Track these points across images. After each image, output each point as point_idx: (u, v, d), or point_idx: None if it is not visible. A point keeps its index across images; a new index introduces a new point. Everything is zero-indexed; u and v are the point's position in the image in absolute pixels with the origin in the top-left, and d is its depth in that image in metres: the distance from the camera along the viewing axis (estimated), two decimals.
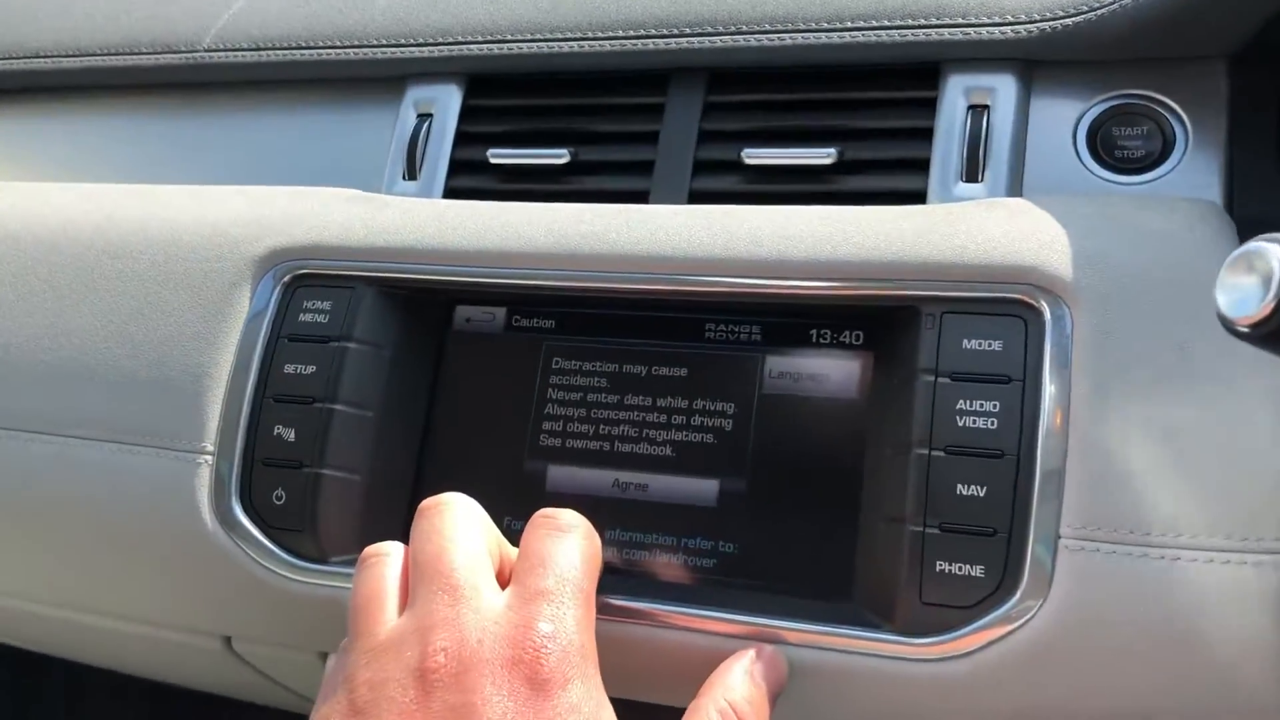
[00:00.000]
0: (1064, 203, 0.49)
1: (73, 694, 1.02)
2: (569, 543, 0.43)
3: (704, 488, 0.50)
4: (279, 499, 0.53)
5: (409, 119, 0.65)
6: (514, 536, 0.46)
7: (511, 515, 0.52)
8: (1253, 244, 0.33)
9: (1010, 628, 0.43)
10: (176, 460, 0.55)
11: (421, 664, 0.39)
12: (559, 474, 0.53)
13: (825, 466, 0.49)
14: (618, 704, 0.42)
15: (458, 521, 0.43)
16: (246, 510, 0.54)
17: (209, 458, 0.55)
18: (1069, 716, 0.45)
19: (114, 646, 0.72)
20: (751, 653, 0.45)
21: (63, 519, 0.59)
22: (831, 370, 0.50)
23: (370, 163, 0.65)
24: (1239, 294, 0.33)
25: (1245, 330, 0.33)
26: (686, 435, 0.51)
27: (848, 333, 0.51)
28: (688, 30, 0.60)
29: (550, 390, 0.54)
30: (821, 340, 0.51)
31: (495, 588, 0.42)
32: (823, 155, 0.56)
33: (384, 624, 0.41)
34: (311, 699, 0.47)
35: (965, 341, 0.46)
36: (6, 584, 0.66)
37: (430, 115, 0.64)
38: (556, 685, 0.38)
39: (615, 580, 0.50)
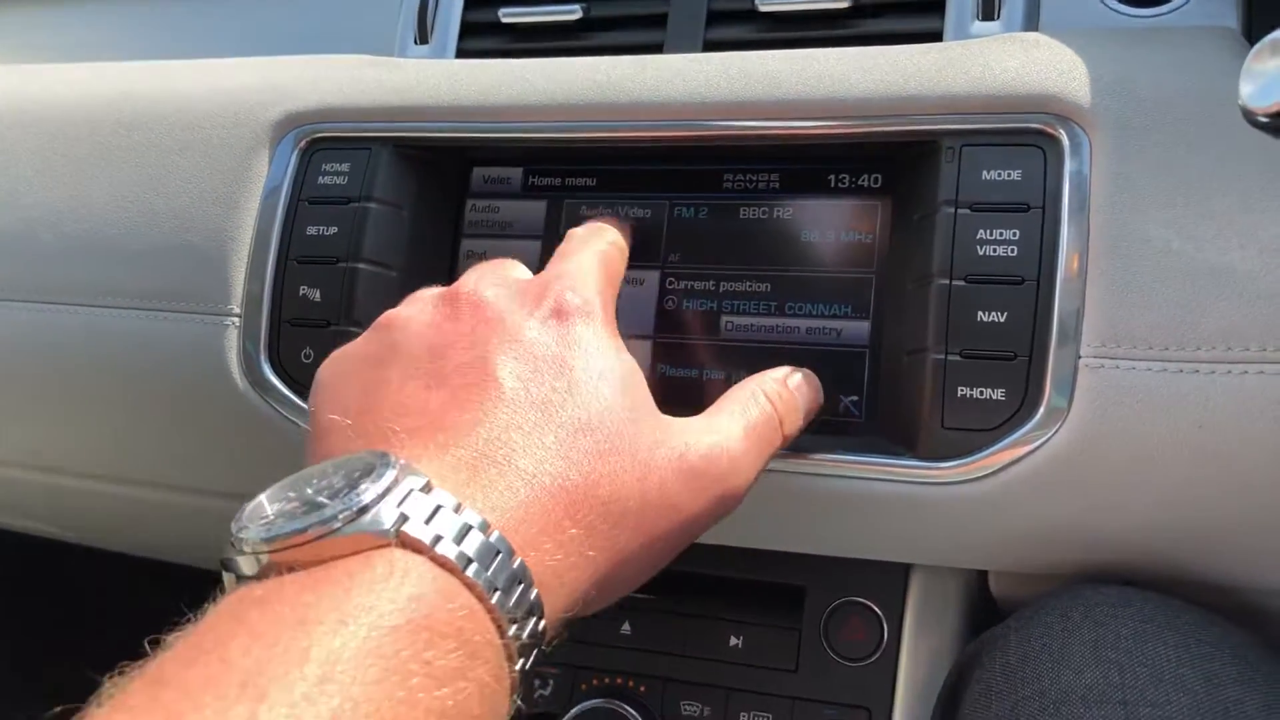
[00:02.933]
0: (1081, 34, 0.49)
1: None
2: (598, 234, 0.46)
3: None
4: (307, 358, 0.54)
5: None
6: None
7: None
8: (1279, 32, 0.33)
9: (1032, 446, 0.44)
10: (204, 324, 0.56)
11: (454, 293, 0.42)
12: None
13: (846, 308, 0.50)
14: None
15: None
16: (276, 370, 0.55)
17: (236, 320, 0.55)
18: (1091, 531, 0.46)
19: (142, 522, 0.73)
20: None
21: (95, 388, 0.59)
22: (850, 213, 0.50)
23: (381, 30, 0.65)
24: (1263, 82, 0.33)
25: (1266, 120, 0.33)
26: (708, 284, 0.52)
27: (866, 176, 0.51)
28: None
29: None
30: (840, 184, 0.51)
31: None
32: None
33: None
34: None
35: (985, 172, 0.47)
36: (40, 457, 0.67)
37: None
38: (578, 317, 0.40)
39: None
